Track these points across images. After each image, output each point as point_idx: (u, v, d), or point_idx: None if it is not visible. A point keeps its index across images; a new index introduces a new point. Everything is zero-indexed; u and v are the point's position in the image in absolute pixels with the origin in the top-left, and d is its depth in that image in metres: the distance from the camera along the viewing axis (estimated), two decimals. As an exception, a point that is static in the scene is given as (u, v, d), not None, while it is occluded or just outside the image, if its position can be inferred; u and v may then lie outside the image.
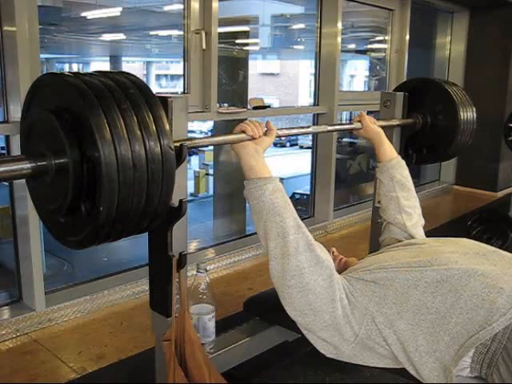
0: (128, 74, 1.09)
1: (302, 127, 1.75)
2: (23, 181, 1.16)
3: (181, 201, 1.24)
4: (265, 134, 1.39)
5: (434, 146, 2.20)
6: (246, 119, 1.45)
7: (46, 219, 1.16)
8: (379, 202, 1.71)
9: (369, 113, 1.97)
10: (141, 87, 1.05)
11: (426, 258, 1.26)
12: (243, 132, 1.35)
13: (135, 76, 1.09)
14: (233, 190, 4.12)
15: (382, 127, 1.81)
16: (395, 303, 1.19)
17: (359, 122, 1.79)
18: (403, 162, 1.73)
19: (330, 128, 1.99)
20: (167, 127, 1.04)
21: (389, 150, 1.74)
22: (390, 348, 1.18)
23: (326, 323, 1.20)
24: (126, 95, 1.01)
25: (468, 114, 2.14)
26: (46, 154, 1.03)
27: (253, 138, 1.35)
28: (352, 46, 5.43)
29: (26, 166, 1.01)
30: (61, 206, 1.04)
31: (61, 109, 1.01)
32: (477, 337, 1.10)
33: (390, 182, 1.67)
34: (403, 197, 1.64)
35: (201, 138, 1.50)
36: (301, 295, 1.19)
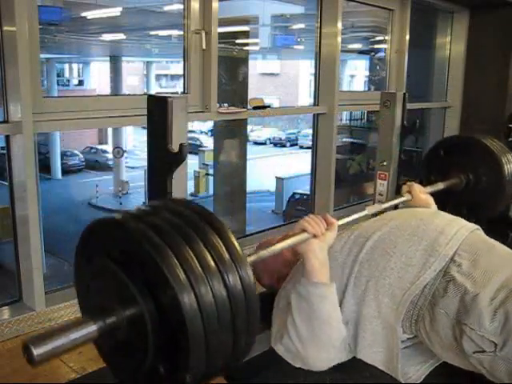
0: (185, 201, 1.02)
1: (358, 213, 1.62)
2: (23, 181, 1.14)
3: (181, 201, 1.23)
4: (326, 228, 1.35)
5: (477, 204, 2.13)
6: (246, 119, 1.44)
7: (121, 378, 1.06)
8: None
9: (369, 113, 1.96)
10: (202, 213, 0.94)
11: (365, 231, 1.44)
12: (304, 230, 1.32)
13: (192, 202, 1.02)
14: (233, 189, 4.12)
15: (431, 193, 1.85)
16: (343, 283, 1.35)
17: (409, 192, 1.80)
18: None
19: (384, 206, 1.79)
20: (240, 252, 0.91)
21: None
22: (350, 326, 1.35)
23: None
24: (190, 225, 0.89)
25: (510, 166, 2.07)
26: (113, 307, 0.90)
27: (315, 236, 1.32)
28: (352, 46, 5.44)
29: (93, 328, 0.88)
30: (139, 364, 0.92)
31: (123, 255, 0.90)
32: (409, 292, 1.22)
33: None
34: None
35: (265, 250, 1.30)
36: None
